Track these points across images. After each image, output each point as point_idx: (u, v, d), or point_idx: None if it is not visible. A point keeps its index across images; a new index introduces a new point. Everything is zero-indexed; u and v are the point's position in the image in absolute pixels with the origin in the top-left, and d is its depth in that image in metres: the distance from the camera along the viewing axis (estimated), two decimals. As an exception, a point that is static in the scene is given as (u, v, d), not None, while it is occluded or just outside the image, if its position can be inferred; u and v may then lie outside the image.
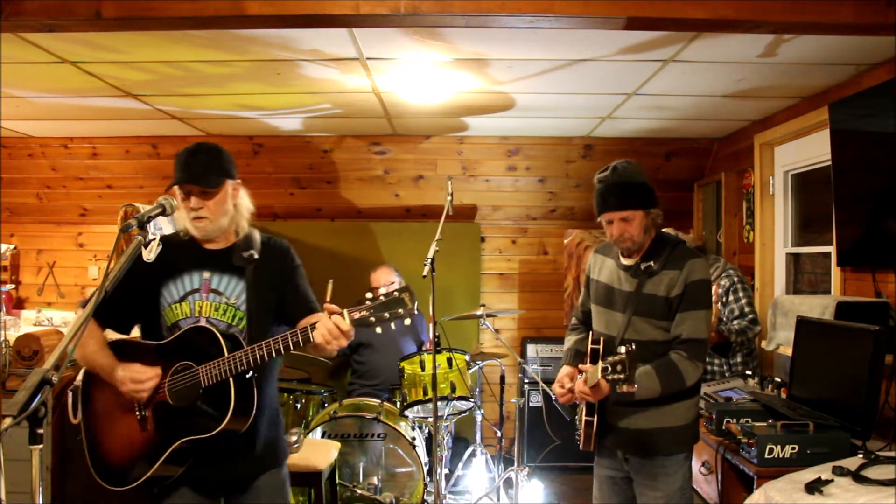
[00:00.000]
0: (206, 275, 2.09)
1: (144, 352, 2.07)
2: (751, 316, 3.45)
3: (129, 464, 2.03)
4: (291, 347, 1.89)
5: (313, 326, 1.86)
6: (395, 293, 1.82)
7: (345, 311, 1.84)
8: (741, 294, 3.49)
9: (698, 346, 2.30)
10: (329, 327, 1.84)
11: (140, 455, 2.01)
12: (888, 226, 2.97)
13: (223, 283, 2.09)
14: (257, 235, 2.19)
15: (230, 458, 2.05)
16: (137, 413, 2.03)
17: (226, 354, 1.91)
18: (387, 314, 1.81)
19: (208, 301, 2.07)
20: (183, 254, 2.11)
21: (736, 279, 3.54)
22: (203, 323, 2.04)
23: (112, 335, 2.17)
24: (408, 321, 1.83)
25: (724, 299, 3.51)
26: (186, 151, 2.06)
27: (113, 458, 2.07)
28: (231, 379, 1.91)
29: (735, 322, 3.45)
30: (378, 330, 1.89)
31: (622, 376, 2.03)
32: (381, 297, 1.82)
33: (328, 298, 1.97)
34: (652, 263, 2.36)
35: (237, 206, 2.13)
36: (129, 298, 2.09)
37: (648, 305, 2.35)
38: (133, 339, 2.18)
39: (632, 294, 2.38)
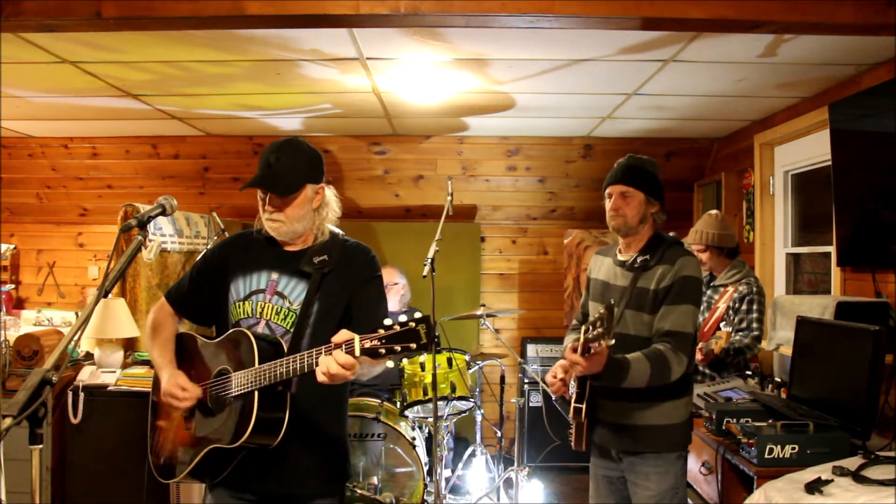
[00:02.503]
0: (275, 276, 1.99)
1: (197, 349, 2.03)
2: (756, 333, 3.31)
3: (173, 458, 2.01)
4: (292, 373, 1.75)
5: (320, 352, 1.69)
6: (412, 323, 1.60)
7: (356, 338, 1.63)
8: (755, 307, 3.35)
9: (682, 340, 2.27)
10: (327, 362, 1.65)
11: (181, 452, 1.99)
12: (888, 226, 2.97)
13: (289, 286, 1.98)
14: (339, 240, 2.06)
15: (265, 473, 1.95)
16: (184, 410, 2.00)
17: (256, 365, 1.80)
18: (398, 347, 1.60)
19: (271, 303, 1.97)
20: (257, 251, 2.04)
21: (755, 289, 3.38)
22: (261, 326, 1.96)
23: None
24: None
25: (735, 305, 3.38)
26: (268, 150, 1.94)
27: (162, 449, 2.05)
28: (256, 392, 1.79)
29: (738, 335, 3.32)
30: (390, 364, 1.70)
31: (601, 330, 1.96)
32: (396, 327, 1.61)
33: None
34: (648, 258, 2.38)
35: (318, 209, 2.01)
36: (203, 291, 2.06)
37: (640, 299, 2.36)
38: (194, 333, 2.10)
39: (626, 288, 2.40)
